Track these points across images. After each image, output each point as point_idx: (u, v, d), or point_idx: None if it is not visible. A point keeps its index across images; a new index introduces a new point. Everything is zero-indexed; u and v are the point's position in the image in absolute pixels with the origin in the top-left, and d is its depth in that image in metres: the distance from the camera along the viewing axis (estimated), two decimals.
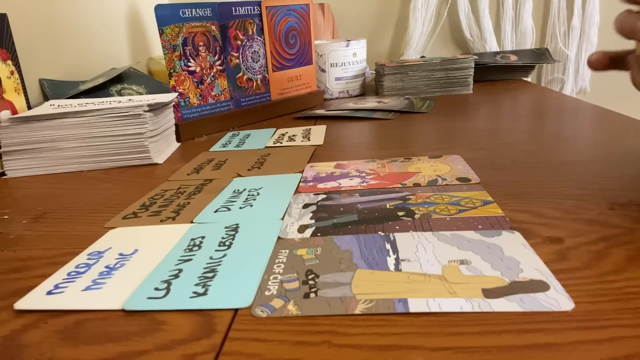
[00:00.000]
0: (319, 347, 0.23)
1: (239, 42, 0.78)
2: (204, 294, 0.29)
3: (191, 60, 0.72)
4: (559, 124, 0.64)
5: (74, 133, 0.58)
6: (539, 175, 0.45)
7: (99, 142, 0.59)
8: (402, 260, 0.31)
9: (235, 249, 0.34)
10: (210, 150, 0.65)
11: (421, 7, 1.24)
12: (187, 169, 0.56)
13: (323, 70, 0.96)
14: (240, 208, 0.42)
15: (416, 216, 0.37)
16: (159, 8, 0.67)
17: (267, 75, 0.84)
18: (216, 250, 0.34)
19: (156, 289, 0.30)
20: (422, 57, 1.14)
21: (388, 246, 0.33)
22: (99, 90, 0.79)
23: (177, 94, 0.70)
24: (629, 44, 0.38)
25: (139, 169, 0.59)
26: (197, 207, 0.43)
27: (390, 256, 0.31)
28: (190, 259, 0.33)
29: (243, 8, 0.78)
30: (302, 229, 0.37)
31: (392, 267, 0.30)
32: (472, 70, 0.93)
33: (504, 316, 0.24)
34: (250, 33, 0.79)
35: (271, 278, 0.30)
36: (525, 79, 1.08)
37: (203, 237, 0.37)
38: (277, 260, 0.32)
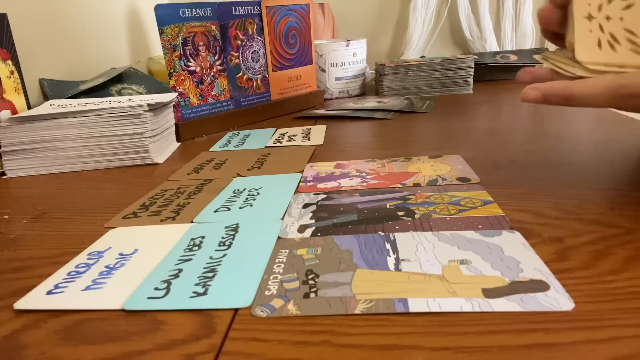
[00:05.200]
0: (319, 347, 0.23)
1: (239, 42, 0.78)
2: (204, 293, 0.29)
3: (191, 60, 0.72)
4: (559, 124, 0.64)
5: (73, 133, 0.58)
6: (539, 175, 0.45)
7: (99, 142, 0.59)
8: (402, 260, 0.31)
9: (235, 249, 0.34)
10: (210, 150, 0.65)
11: (421, 7, 1.24)
12: (187, 168, 0.56)
13: (323, 70, 0.96)
14: (240, 208, 0.42)
15: (416, 216, 0.37)
16: (159, 8, 0.67)
17: (267, 75, 0.84)
18: (216, 250, 0.34)
19: (156, 288, 0.30)
20: (422, 57, 1.14)
21: (388, 246, 0.33)
22: (99, 90, 0.79)
23: (177, 93, 0.70)
24: None
25: (139, 168, 0.59)
26: (197, 207, 0.43)
27: (390, 256, 0.31)
28: (190, 259, 0.33)
29: (243, 8, 0.78)
30: (302, 228, 0.37)
31: (392, 267, 0.30)
32: (472, 70, 0.93)
33: (504, 316, 0.24)
34: (250, 33, 0.79)
35: (271, 278, 0.30)
36: None
37: (203, 237, 0.37)
38: (277, 260, 0.32)
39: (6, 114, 0.59)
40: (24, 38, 0.74)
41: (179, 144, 0.70)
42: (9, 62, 0.63)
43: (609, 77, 0.33)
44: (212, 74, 0.75)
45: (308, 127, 0.73)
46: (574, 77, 0.36)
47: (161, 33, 0.68)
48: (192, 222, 0.40)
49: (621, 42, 0.37)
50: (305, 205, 0.41)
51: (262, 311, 0.26)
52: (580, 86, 0.34)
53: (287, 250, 0.33)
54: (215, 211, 0.42)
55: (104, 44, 0.97)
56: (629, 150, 0.50)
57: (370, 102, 0.86)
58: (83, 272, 0.33)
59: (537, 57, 0.41)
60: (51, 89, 0.77)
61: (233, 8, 0.76)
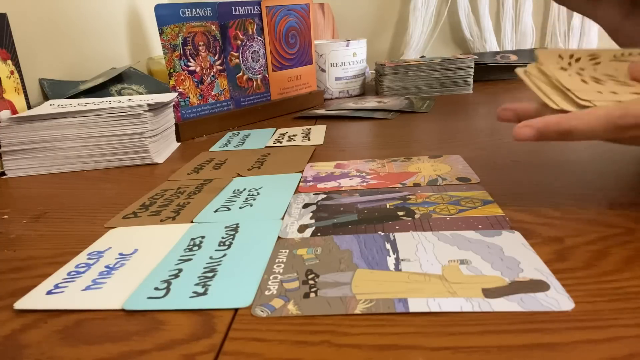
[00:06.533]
0: (319, 347, 0.23)
1: (239, 42, 0.78)
2: (204, 293, 0.29)
3: (191, 60, 0.72)
4: None
5: (73, 133, 0.58)
6: (539, 175, 0.45)
7: (99, 142, 0.59)
8: (402, 260, 0.31)
9: (235, 249, 0.34)
10: (210, 150, 0.65)
11: (421, 7, 1.24)
12: (187, 168, 0.56)
13: (323, 70, 0.96)
14: (240, 208, 0.42)
15: (416, 216, 0.37)
16: (159, 8, 0.67)
17: (267, 75, 0.84)
18: (216, 250, 0.34)
19: (156, 288, 0.30)
20: (422, 56, 1.14)
21: (388, 246, 0.33)
22: (99, 90, 0.79)
23: (177, 93, 0.70)
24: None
25: (138, 168, 0.59)
26: (197, 206, 0.43)
27: (390, 256, 0.31)
28: (190, 259, 0.33)
29: (243, 8, 0.78)
30: (302, 228, 0.37)
31: (392, 266, 0.30)
32: (472, 70, 0.93)
33: (504, 316, 0.24)
34: (250, 33, 0.79)
35: (271, 278, 0.30)
36: None
37: (203, 237, 0.37)
38: (277, 260, 0.32)
39: (6, 114, 0.58)
40: (24, 38, 0.74)
41: (179, 144, 0.70)
42: (9, 62, 0.63)
43: (606, 108, 0.31)
44: (212, 74, 0.75)
45: (308, 127, 0.73)
46: (559, 109, 0.33)
47: (161, 33, 0.68)
48: (192, 222, 0.40)
49: (604, 82, 0.36)
50: (305, 205, 0.41)
51: (262, 311, 0.26)
52: (577, 120, 0.31)
53: (287, 250, 0.33)
54: (215, 211, 0.42)
55: (103, 44, 0.97)
56: (629, 150, 0.50)
57: (370, 102, 0.86)
58: (83, 272, 0.33)
59: (518, 71, 0.37)
60: (51, 89, 0.77)
61: (233, 8, 0.76)
